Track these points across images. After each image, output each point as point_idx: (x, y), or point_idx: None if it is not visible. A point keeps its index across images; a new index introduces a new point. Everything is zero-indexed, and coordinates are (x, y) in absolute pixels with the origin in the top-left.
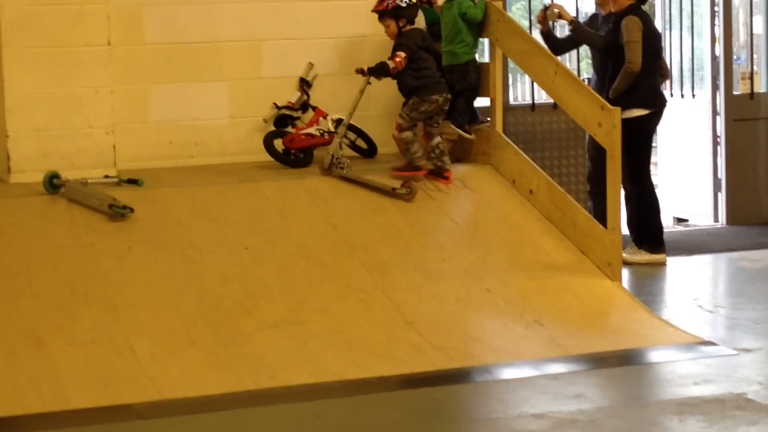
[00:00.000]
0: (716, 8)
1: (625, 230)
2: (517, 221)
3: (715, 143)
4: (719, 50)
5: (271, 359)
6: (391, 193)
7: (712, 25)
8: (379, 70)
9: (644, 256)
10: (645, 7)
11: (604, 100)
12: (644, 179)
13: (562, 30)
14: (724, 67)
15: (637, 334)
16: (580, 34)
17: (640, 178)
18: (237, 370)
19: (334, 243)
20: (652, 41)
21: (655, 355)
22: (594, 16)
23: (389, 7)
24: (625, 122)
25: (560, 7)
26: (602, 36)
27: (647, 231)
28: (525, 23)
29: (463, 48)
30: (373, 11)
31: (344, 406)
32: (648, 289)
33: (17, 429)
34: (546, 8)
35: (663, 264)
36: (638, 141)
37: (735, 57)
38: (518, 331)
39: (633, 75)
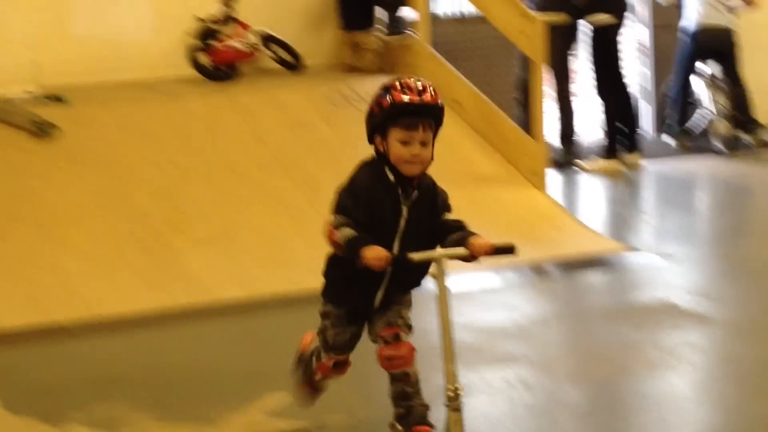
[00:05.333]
0: None
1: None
2: (443, 132)
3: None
4: None
5: (203, 276)
6: None
7: None
8: None
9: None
10: None
11: (526, 8)
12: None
13: None
14: None
15: (565, 243)
16: None
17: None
18: (169, 287)
19: (263, 159)
20: None
21: (583, 264)
22: None
23: None
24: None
25: None
26: None
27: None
28: None
29: None
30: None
31: (277, 321)
32: (577, 197)
33: None
34: None
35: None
36: (606, 48)
37: None
38: None
39: None
